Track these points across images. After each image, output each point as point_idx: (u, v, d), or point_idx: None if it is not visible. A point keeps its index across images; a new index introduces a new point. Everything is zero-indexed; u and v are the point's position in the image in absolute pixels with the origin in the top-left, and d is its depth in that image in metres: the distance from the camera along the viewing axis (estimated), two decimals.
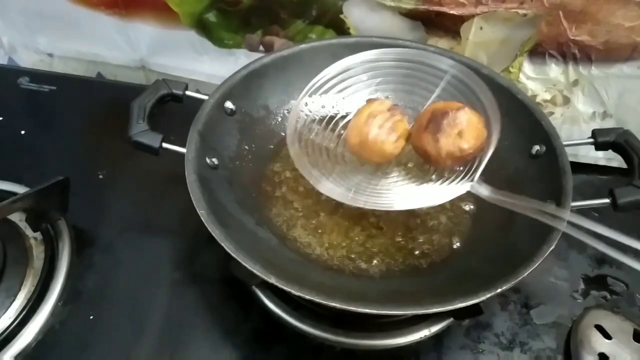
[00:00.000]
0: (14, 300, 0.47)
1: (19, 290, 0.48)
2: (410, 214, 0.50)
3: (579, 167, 0.61)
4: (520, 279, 0.38)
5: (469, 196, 0.51)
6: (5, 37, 0.76)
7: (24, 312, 0.47)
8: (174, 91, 0.51)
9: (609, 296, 0.52)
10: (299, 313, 0.48)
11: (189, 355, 0.47)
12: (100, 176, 0.61)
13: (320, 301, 0.36)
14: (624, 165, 0.48)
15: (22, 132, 0.65)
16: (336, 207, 0.50)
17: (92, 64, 0.76)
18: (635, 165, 0.45)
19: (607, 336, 0.46)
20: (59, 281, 0.50)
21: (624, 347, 0.46)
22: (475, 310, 0.43)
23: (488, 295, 0.37)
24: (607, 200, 0.44)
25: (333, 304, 0.36)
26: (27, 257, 0.50)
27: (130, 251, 0.54)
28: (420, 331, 0.47)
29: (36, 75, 0.72)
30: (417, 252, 0.47)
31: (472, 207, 0.51)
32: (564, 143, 0.48)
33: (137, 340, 0.47)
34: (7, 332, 0.46)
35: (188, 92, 0.51)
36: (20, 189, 0.55)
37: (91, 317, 0.48)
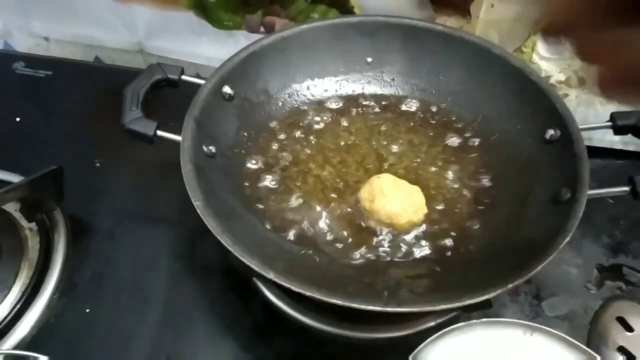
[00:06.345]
0: (8, 293, 0.46)
1: (14, 283, 0.47)
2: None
3: (593, 151, 0.58)
4: (533, 273, 0.36)
5: (487, 171, 0.49)
6: None
7: (18, 306, 0.46)
8: (169, 76, 0.48)
9: (624, 287, 0.49)
10: (302, 305, 0.46)
11: (188, 350, 0.45)
12: (98, 164, 0.59)
13: (322, 298, 0.35)
14: None
15: (17, 119, 0.64)
16: (341, 198, 0.48)
17: (89, 48, 0.74)
18: None
19: (629, 329, 0.44)
20: (55, 273, 0.48)
21: None
22: (484, 303, 0.42)
23: (499, 291, 0.35)
24: (626, 188, 0.41)
25: (334, 301, 0.34)
26: (22, 248, 0.49)
27: (128, 241, 0.52)
28: (427, 323, 0.45)
29: (32, 60, 0.70)
30: (426, 245, 0.45)
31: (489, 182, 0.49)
32: (580, 127, 0.45)
33: (135, 333, 0.46)
34: (0, 326, 0.44)
35: (184, 77, 0.49)
36: (15, 178, 0.54)
37: (87, 310, 0.47)
